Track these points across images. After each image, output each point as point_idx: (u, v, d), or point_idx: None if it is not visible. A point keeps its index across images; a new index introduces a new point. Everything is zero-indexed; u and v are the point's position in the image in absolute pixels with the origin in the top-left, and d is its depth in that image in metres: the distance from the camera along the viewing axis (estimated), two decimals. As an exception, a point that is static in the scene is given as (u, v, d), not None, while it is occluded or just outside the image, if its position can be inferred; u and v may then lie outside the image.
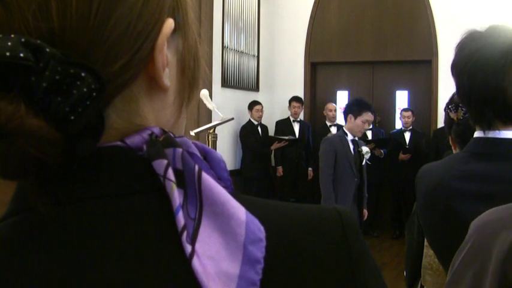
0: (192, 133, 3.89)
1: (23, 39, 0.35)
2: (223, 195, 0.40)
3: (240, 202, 0.41)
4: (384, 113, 7.24)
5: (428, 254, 1.95)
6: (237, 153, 6.70)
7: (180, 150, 0.41)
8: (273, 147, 6.61)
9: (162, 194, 0.40)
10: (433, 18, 6.84)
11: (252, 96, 6.90)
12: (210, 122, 5.00)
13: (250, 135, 6.52)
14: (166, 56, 0.43)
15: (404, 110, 6.68)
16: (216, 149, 3.74)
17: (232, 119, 4.14)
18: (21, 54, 0.34)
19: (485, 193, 1.10)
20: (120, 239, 0.39)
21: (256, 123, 6.63)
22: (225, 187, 0.42)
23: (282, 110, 7.13)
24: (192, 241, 0.38)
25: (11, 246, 0.39)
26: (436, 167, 1.24)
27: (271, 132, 6.89)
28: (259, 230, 0.40)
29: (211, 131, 3.72)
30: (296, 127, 6.84)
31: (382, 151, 6.63)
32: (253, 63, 7.15)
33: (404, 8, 6.97)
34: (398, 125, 6.92)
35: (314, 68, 7.57)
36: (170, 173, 0.40)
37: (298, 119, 6.89)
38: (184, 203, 0.40)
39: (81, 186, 0.40)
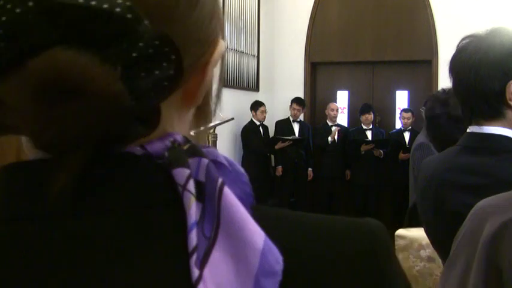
0: (192, 133, 3.89)
1: (128, 3, 0.33)
2: (242, 216, 0.37)
3: (261, 221, 0.37)
4: (384, 113, 7.24)
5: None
6: (236, 153, 6.70)
7: (206, 160, 0.38)
8: (277, 147, 6.61)
9: (179, 206, 0.37)
10: (433, 18, 6.84)
11: (252, 96, 6.90)
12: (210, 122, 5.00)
13: (253, 136, 6.52)
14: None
15: (404, 110, 6.68)
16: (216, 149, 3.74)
17: (232, 119, 4.14)
18: (129, 16, 0.33)
19: (471, 185, 1.17)
20: (127, 258, 0.36)
21: (258, 123, 6.63)
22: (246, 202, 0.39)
23: (282, 110, 7.13)
24: (202, 264, 0.35)
25: (11, 258, 0.36)
26: (433, 160, 1.34)
27: (272, 132, 6.90)
28: (276, 261, 0.36)
29: (211, 131, 3.72)
30: (296, 127, 6.84)
31: (381, 151, 6.63)
32: (253, 63, 7.15)
33: (404, 8, 6.97)
34: (398, 125, 6.91)
35: (314, 68, 7.56)
36: (191, 184, 0.37)
37: (298, 120, 6.90)
38: (201, 219, 0.37)
39: (95, 197, 0.37)
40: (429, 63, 6.88)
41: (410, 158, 3.78)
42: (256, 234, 0.36)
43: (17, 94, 0.33)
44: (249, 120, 6.65)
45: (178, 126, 0.43)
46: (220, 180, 0.37)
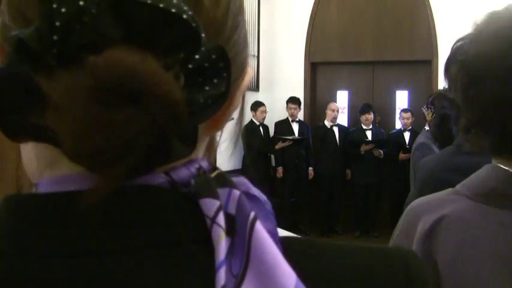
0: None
1: (190, 12, 0.31)
2: (273, 255, 0.34)
3: (290, 254, 0.35)
4: (384, 113, 7.24)
5: None
6: (236, 154, 6.70)
7: (237, 192, 0.36)
8: (277, 147, 6.61)
9: (206, 241, 0.34)
10: (433, 18, 6.84)
11: (252, 96, 6.90)
12: (210, 122, 5.01)
13: (253, 136, 6.52)
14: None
15: (403, 110, 6.68)
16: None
17: (232, 119, 4.14)
18: (194, 24, 0.31)
19: None
20: None
21: (258, 123, 6.63)
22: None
23: (282, 110, 7.13)
24: None
25: None
26: (430, 160, 1.40)
27: (272, 132, 6.90)
28: None
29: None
30: (295, 127, 6.85)
31: (381, 151, 6.64)
32: (253, 63, 7.15)
33: (404, 8, 6.97)
34: (398, 125, 6.92)
35: (314, 68, 7.57)
36: (221, 218, 0.34)
37: (297, 119, 6.90)
38: (229, 255, 0.34)
39: (117, 234, 0.34)
40: (429, 63, 6.88)
41: (410, 158, 3.79)
42: (288, 276, 0.33)
43: (69, 93, 0.29)
44: (249, 120, 6.66)
45: (200, 152, 0.41)
46: (252, 214, 0.35)
